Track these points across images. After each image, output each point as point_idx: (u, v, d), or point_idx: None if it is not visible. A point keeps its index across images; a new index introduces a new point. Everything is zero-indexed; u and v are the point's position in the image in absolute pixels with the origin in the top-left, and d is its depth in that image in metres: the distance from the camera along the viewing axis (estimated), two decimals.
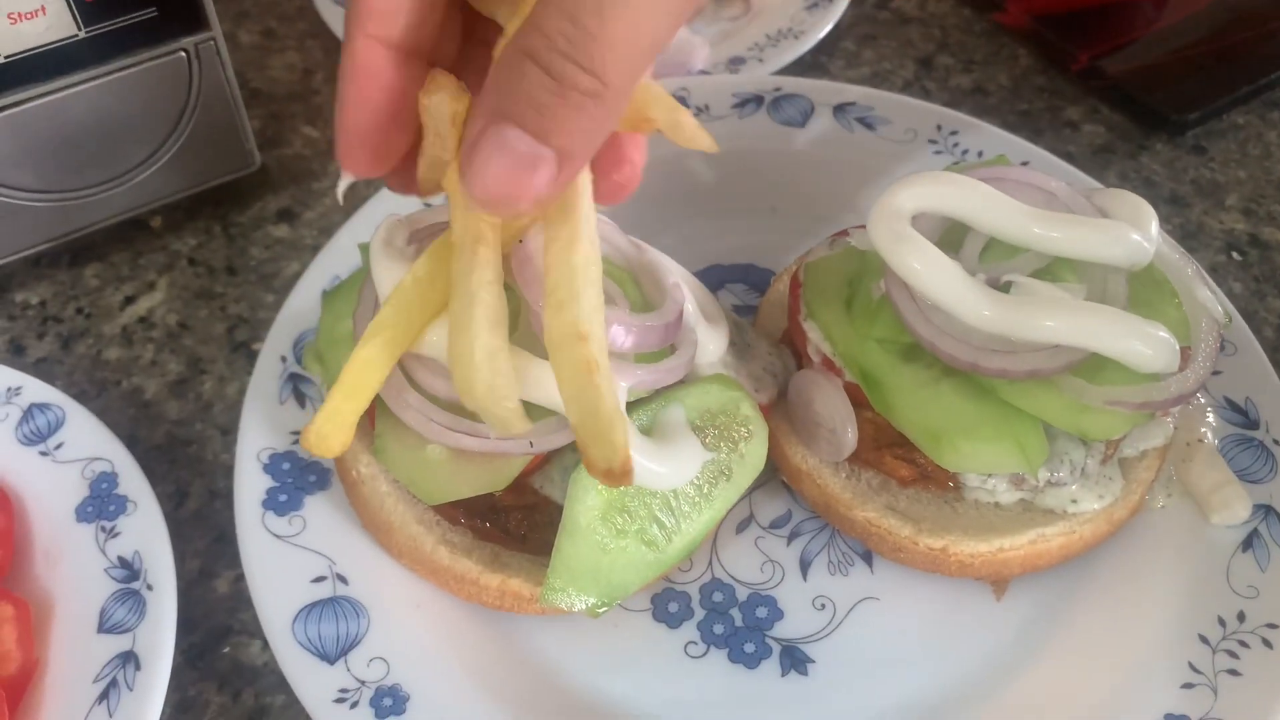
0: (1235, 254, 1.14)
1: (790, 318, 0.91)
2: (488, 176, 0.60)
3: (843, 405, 0.85)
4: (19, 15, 0.92)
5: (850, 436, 0.85)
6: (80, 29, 0.96)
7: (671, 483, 0.77)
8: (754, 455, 0.82)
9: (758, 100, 1.17)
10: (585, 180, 0.65)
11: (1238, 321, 0.96)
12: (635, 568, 0.79)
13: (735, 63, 1.27)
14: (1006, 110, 1.30)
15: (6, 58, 0.94)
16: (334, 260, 1.02)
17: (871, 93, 1.18)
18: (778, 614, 0.87)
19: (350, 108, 0.67)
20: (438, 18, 0.68)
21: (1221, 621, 0.82)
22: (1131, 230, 0.79)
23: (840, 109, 1.16)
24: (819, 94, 1.17)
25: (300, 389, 0.95)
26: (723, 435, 0.80)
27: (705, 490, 0.79)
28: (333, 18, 1.33)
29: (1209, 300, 0.83)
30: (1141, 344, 0.76)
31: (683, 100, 1.16)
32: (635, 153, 0.72)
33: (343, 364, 0.78)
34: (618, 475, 0.62)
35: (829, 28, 1.32)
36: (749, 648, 0.85)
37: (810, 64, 1.33)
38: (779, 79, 1.20)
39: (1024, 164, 1.08)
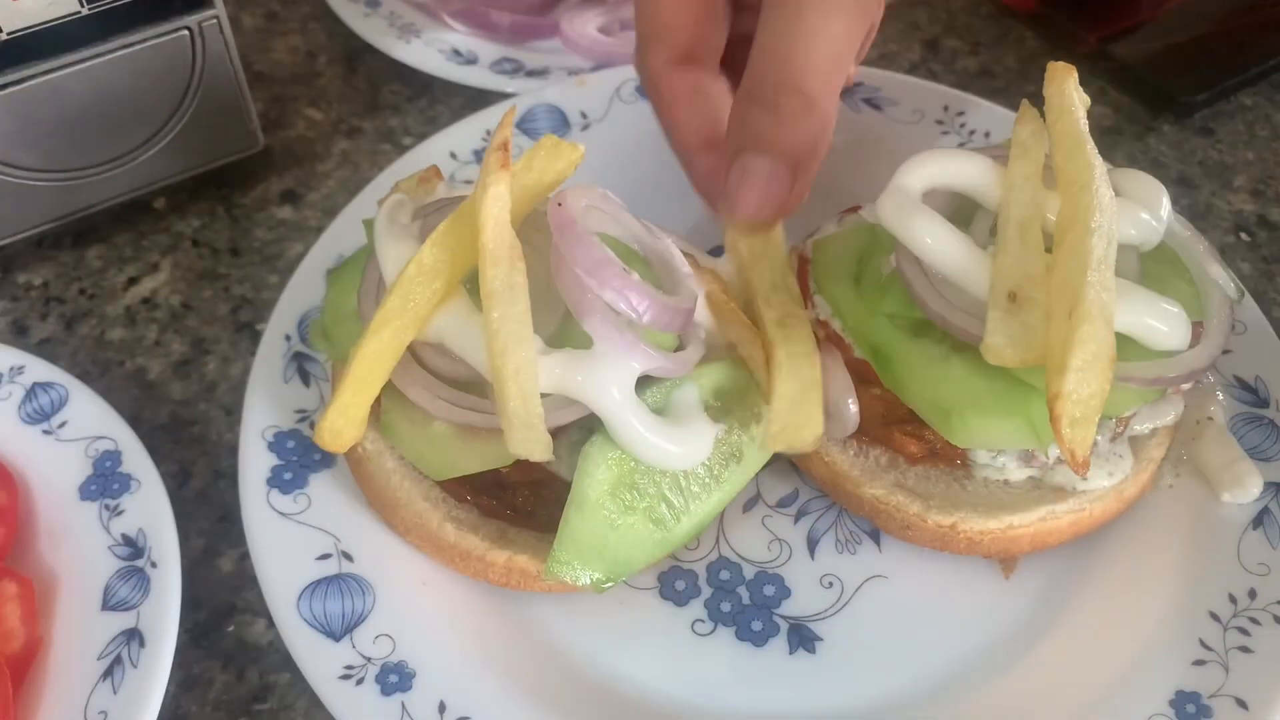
0: (1244, 234, 1.14)
1: None
2: (743, 201, 0.79)
3: (843, 380, 0.85)
4: None
5: (852, 410, 0.84)
6: (83, 6, 0.95)
7: (684, 463, 0.77)
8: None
9: None
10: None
11: (1247, 300, 0.96)
12: (642, 545, 0.78)
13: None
14: (1014, 92, 1.29)
15: (9, 35, 0.93)
16: (338, 240, 1.01)
17: (878, 73, 1.17)
18: (785, 592, 0.86)
19: (682, 132, 0.87)
20: (714, 20, 0.87)
21: (1232, 599, 0.82)
22: (1141, 209, 0.78)
23: (847, 90, 1.16)
24: None
25: (304, 368, 0.94)
26: (735, 416, 0.80)
27: (715, 471, 0.79)
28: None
29: (1221, 277, 0.82)
30: (1154, 319, 0.75)
31: None
32: None
33: (349, 340, 0.78)
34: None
35: None
36: (756, 625, 0.85)
37: None
38: None
39: None
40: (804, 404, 0.79)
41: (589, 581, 0.77)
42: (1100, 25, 1.32)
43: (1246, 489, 0.85)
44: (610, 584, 0.77)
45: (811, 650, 0.84)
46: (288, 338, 0.96)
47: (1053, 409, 0.71)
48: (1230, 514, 0.86)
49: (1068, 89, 0.79)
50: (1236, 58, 1.28)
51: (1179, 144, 1.23)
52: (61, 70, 0.98)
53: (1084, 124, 0.78)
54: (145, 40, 1.00)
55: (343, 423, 0.76)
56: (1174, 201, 1.11)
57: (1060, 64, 0.81)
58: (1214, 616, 0.81)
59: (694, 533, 0.80)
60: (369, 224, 0.86)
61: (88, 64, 0.99)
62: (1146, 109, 1.27)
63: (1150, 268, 0.82)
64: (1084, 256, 0.71)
